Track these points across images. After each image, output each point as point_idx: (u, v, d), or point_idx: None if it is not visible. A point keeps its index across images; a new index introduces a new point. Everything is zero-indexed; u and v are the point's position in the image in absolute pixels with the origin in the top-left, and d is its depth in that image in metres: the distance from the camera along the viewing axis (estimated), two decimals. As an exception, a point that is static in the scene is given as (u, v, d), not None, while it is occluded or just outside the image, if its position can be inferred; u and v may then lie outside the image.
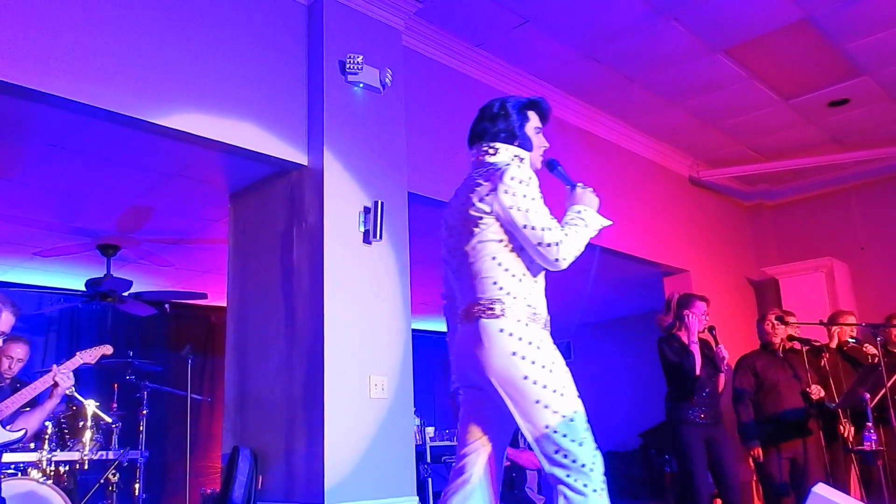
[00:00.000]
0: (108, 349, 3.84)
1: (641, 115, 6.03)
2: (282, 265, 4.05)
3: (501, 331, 2.27)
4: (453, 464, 2.48)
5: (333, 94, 4.02)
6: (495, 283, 2.34)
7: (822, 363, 5.30)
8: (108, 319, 7.01)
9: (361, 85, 4.10)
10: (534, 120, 2.59)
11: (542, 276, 2.43)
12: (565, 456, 2.21)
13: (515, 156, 2.49)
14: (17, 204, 4.94)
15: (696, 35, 4.90)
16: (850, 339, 5.43)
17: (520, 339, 2.26)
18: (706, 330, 4.74)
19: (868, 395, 4.57)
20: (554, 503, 2.26)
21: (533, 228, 2.29)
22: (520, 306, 2.31)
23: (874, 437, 4.50)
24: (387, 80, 4.16)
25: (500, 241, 2.36)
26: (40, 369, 5.37)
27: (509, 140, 2.53)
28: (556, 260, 2.29)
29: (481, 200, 2.36)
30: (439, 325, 9.26)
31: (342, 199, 3.92)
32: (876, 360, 4.82)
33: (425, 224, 4.90)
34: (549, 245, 2.27)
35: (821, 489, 3.59)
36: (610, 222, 2.50)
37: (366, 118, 4.14)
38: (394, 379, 3.92)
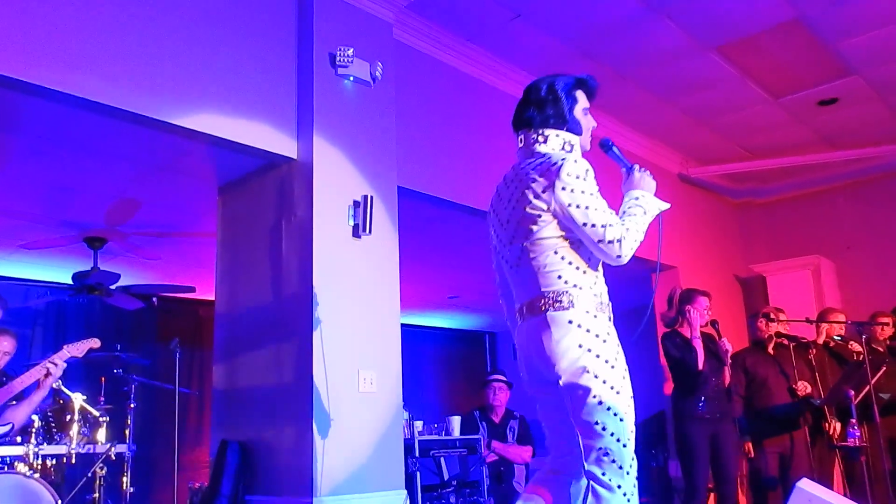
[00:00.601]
0: (95, 343, 3.82)
1: (633, 113, 6.04)
2: (271, 259, 4.04)
3: (570, 322, 2.24)
4: (547, 462, 2.48)
5: (323, 88, 4.01)
6: (560, 276, 2.30)
7: (810, 359, 5.35)
8: (95, 313, 6.96)
9: (351, 78, 4.09)
10: (582, 101, 2.53)
11: (601, 266, 2.40)
12: (606, 454, 2.20)
13: (566, 142, 2.44)
14: (3, 196, 4.91)
15: (689, 33, 4.91)
16: (836, 337, 5.48)
17: (587, 330, 2.24)
18: (709, 324, 4.77)
19: (852, 392, 4.61)
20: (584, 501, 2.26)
21: (593, 226, 2.24)
22: (587, 296, 2.28)
23: (858, 434, 4.56)
24: (377, 74, 4.14)
25: (560, 236, 2.32)
26: (27, 363, 5.33)
27: (559, 125, 2.46)
28: (618, 256, 2.26)
29: (538, 198, 2.31)
30: (428, 320, 9.27)
31: (332, 193, 3.91)
32: (861, 358, 4.87)
33: (415, 218, 4.91)
34: (610, 242, 2.24)
35: (805, 484, 3.62)
36: (668, 205, 2.47)
37: (356, 112, 4.13)
38: (383, 373, 3.91)
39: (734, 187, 7.65)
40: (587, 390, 2.20)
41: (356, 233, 3.93)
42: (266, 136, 3.89)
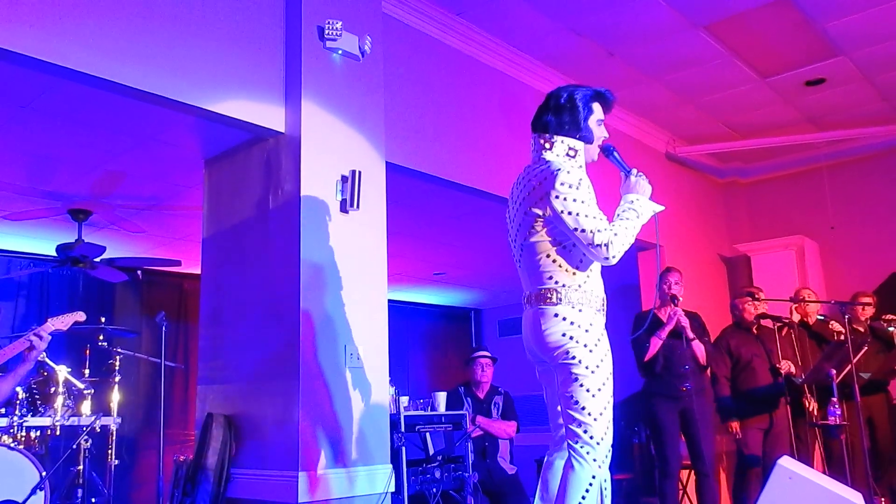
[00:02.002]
0: (80, 316, 3.79)
1: (620, 90, 5.98)
2: (257, 233, 4.02)
3: (556, 315, 2.56)
4: (553, 434, 2.73)
5: (311, 61, 3.97)
6: (551, 277, 2.60)
7: (788, 339, 5.41)
8: (79, 285, 6.92)
9: (340, 52, 4.05)
10: (597, 112, 2.75)
11: (597, 266, 2.67)
12: (579, 425, 2.51)
13: (570, 148, 2.67)
14: (-14, 165, 4.85)
15: (678, 10, 4.89)
16: (819, 317, 5.53)
17: (571, 323, 2.54)
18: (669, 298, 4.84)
19: (834, 371, 4.67)
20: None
21: (583, 231, 2.51)
22: (573, 293, 2.57)
23: (838, 412, 4.62)
24: (366, 48, 4.11)
25: (553, 240, 2.60)
26: (10, 335, 5.31)
27: (572, 133, 2.69)
28: (607, 258, 2.53)
29: (535, 205, 2.59)
30: (415, 296, 9.28)
31: (319, 168, 3.89)
32: (842, 338, 4.93)
33: (403, 194, 4.90)
34: (598, 246, 2.51)
35: (786, 461, 3.69)
36: (662, 207, 2.73)
37: (344, 86, 4.10)
38: (369, 348, 3.92)
39: (720, 167, 7.68)
40: (568, 372, 2.53)
41: (344, 208, 3.92)
42: (253, 109, 3.86)
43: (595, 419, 2.49)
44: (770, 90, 6.07)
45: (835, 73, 5.81)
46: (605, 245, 2.49)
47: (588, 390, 2.50)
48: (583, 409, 2.50)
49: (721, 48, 5.38)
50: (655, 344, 4.70)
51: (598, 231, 2.50)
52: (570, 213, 2.51)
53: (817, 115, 6.58)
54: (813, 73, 5.82)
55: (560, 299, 2.55)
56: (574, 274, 2.59)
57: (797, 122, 6.67)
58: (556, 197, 2.52)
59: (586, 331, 2.54)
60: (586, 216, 2.50)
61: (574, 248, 2.58)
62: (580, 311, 2.56)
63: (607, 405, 2.54)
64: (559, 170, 2.55)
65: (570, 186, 2.51)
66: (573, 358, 2.51)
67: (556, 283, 2.57)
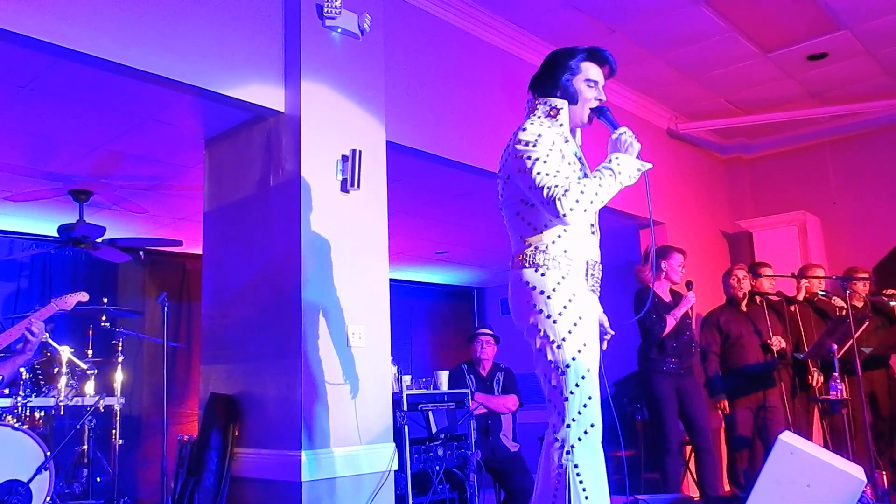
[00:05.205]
0: (83, 296, 3.81)
1: (622, 67, 5.88)
2: (258, 213, 4.01)
3: (520, 280, 2.42)
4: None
5: (311, 40, 3.94)
6: (521, 237, 2.47)
7: (785, 315, 5.41)
8: (81, 266, 6.92)
9: (339, 30, 4.02)
10: (587, 72, 2.58)
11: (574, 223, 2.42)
12: (551, 403, 2.33)
13: (552, 107, 2.53)
14: (-14, 147, 4.83)
15: (679, -15, 4.85)
16: (821, 293, 5.53)
17: (533, 288, 2.37)
18: (685, 284, 4.85)
19: (835, 347, 4.68)
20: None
21: (533, 188, 2.34)
22: (540, 254, 2.40)
23: (840, 387, 4.64)
24: (365, 26, 4.08)
25: (521, 198, 2.46)
26: (12, 315, 5.32)
27: (551, 92, 2.56)
28: (558, 215, 2.30)
29: (506, 162, 2.49)
30: (417, 275, 9.29)
31: (320, 147, 3.87)
32: (843, 313, 4.93)
33: (404, 173, 4.88)
34: (548, 202, 2.30)
35: (787, 437, 3.69)
36: (650, 165, 2.48)
37: (344, 64, 4.07)
38: (371, 328, 3.93)
39: (722, 143, 7.65)
40: (534, 344, 2.37)
41: (344, 187, 3.91)
42: (253, 89, 3.84)
43: (566, 399, 2.26)
44: (772, 65, 6.03)
45: (837, 48, 5.76)
46: (554, 200, 2.27)
47: (557, 367, 2.28)
48: (554, 387, 2.29)
49: (723, 23, 5.33)
50: (671, 323, 4.73)
51: (548, 186, 2.29)
52: (522, 170, 2.36)
53: (820, 90, 6.54)
54: (815, 48, 5.77)
55: (524, 262, 2.40)
56: (542, 232, 2.41)
57: (800, 97, 6.63)
58: (515, 155, 2.39)
59: (549, 297, 2.33)
60: (539, 172, 2.32)
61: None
62: (543, 274, 2.35)
63: (581, 381, 2.28)
64: (519, 128, 2.43)
65: (526, 144, 2.37)
66: (539, 330, 2.32)
67: (525, 243, 2.43)
